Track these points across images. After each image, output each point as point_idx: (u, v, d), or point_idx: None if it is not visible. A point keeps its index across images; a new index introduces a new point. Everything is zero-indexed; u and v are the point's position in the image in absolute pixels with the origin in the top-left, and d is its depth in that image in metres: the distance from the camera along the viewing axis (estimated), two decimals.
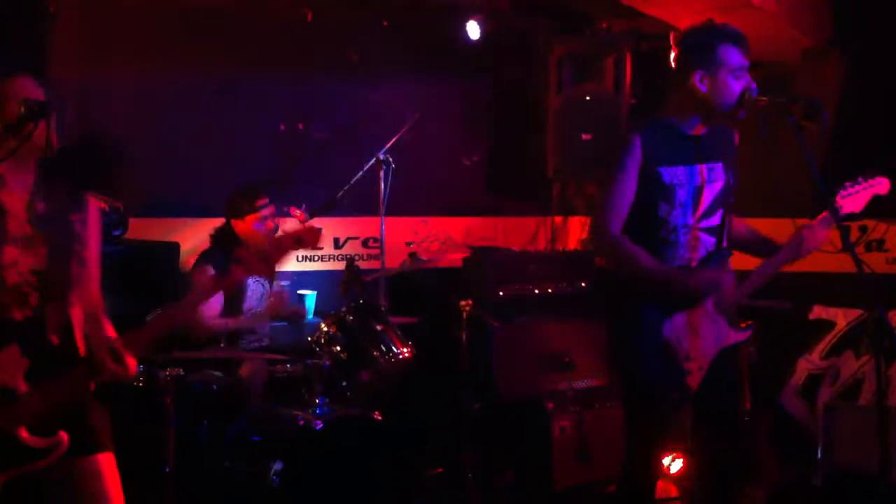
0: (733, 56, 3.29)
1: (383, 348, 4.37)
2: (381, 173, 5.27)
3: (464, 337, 4.82)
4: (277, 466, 3.88)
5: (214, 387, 4.34)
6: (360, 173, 5.16)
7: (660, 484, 4.70)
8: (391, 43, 5.98)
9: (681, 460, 4.84)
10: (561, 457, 4.97)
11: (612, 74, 6.13)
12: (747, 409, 4.91)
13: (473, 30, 5.77)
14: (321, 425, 4.05)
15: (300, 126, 5.78)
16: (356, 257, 5.21)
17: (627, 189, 3.30)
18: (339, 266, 5.54)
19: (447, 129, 6.36)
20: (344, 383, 4.33)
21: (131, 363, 2.63)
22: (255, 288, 4.93)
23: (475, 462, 4.82)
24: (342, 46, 5.88)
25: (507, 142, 6.54)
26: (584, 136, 5.74)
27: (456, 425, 4.86)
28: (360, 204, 5.44)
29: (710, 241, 3.45)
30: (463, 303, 4.82)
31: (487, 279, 5.39)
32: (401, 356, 4.39)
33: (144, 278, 4.72)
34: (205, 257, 4.79)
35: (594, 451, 5.00)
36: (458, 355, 4.86)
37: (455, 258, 5.53)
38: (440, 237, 6.32)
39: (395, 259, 5.60)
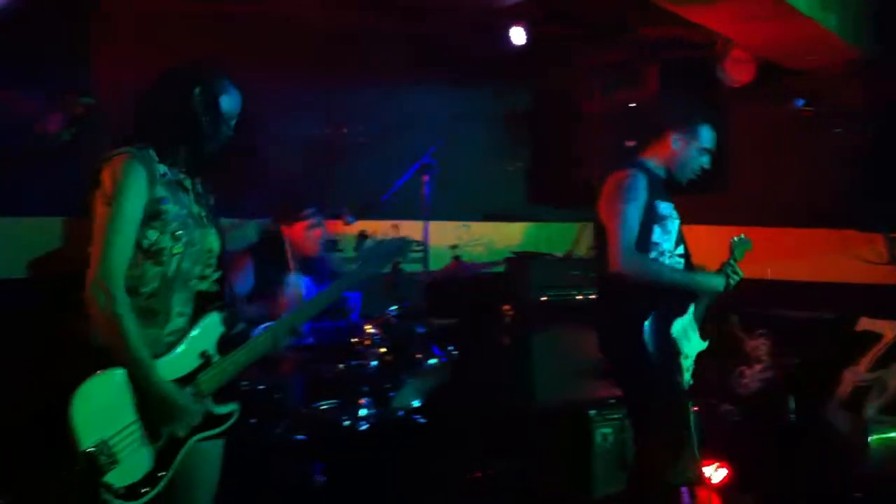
0: (708, 138, 3.82)
1: (427, 351, 4.38)
2: (425, 178, 5.29)
3: (505, 342, 4.82)
4: (322, 466, 3.91)
5: (260, 386, 4.35)
6: (406, 177, 5.17)
7: (702, 493, 4.70)
8: (433, 49, 6.00)
9: (724, 470, 4.83)
10: (602, 464, 4.95)
11: (655, 81, 6.14)
12: (790, 422, 4.91)
13: (518, 36, 5.77)
14: (366, 426, 4.07)
15: (343, 129, 5.80)
16: (399, 260, 5.19)
17: (637, 218, 3.63)
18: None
19: (489, 135, 6.37)
20: (388, 385, 4.35)
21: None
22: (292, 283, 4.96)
23: (515, 467, 4.81)
24: (385, 52, 5.91)
25: (548, 148, 6.55)
26: (628, 143, 5.72)
27: (497, 430, 4.85)
28: (404, 208, 5.47)
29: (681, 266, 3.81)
30: (505, 308, 4.83)
31: (529, 284, 5.39)
32: (444, 359, 4.40)
33: None
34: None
35: None
36: (500, 360, 4.86)
37: (497, 263, 5.52)
38: (482, 242, 6.32)
39: (437, 263, 5.60)
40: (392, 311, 4.47)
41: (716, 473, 4.92)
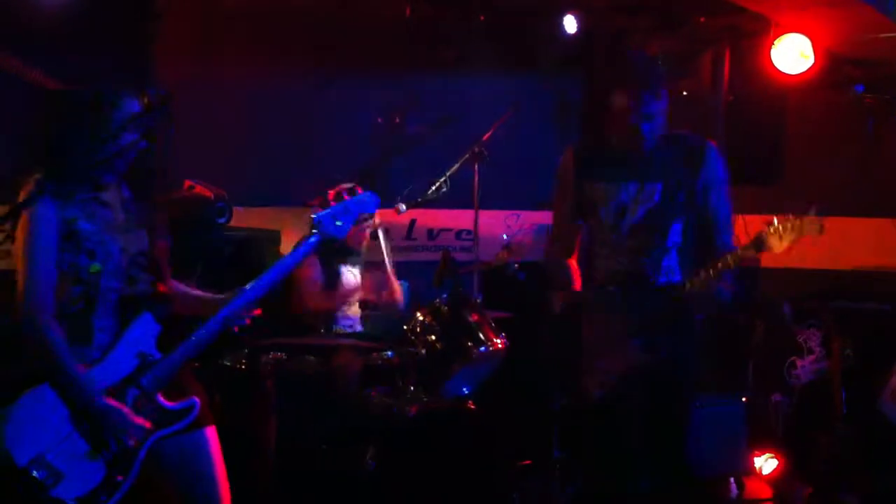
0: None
1: (477, 339, 4.42)
2: (476, 167, 5.32)
3: (556, 331, 4.83)
4: (373, 452, 3.98)
5: (311, 373, 4.44)
6: (456, 166, 5.21)
7: (751, 483, 4.69)
8: (487, 38, 6.02)
9: (775, 461, 4.81)
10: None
11: (710, 70, 6.08)
12: (842, 414, 4.86)
13: (570, 24, 5.76)
14: (414, 413, 4.13)
15: (396, 120, 5.87)
16: (450, 249, 5.24)
17: None
18: (433, 257, 5.60)
19: (540, 124, 6.38)
20: (437, 372, 4.40)
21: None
22: (347, 275, 5.03)
23: (563, 457, 4.83)
24: (438, 42, 5.95)
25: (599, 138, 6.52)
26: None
27: (545, 419, 4.88)
28: (455, 197, 5.50)
29: None
30: (556, 297, 4.83)
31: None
32: (494, 347, 4.44)
33: (247, 264, 4.86)
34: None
35: None
36: (550, 349, 4.88)
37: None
38: (533, 231, 6.34)
39: (488, 252, 5.63)
40: (442, 298, 4.51)
41: (766, 464, 4.91)
